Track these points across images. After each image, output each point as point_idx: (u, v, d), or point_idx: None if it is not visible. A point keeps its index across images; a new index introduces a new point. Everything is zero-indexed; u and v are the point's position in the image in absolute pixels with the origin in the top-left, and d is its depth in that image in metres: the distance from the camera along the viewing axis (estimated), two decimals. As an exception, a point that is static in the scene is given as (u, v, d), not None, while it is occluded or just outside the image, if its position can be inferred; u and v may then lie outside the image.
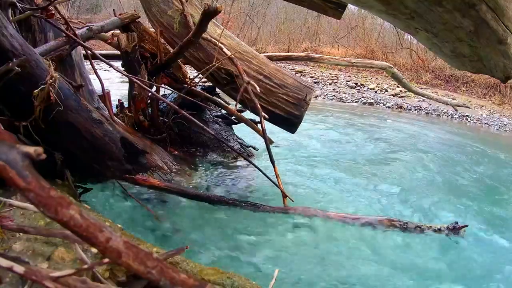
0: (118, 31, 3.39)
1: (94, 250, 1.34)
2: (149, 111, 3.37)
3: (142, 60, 3.20)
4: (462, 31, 1.82)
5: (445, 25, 1.82)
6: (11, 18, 2.30)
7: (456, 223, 2.74)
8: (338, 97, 11.43)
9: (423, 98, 10.25)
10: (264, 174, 2.90)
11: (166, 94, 3.85)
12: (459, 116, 10.33)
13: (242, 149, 3.93)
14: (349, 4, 3.11)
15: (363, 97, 11.48)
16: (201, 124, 2.98)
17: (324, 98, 11.27)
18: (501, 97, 11.85)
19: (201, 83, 3.78)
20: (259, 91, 3.12)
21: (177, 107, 2.87)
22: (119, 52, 3.32)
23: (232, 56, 3.19)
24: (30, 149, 0.52)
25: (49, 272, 0.87)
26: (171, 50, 3.33)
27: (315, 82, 12.28)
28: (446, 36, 1.92)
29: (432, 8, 1.75)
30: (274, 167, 2.94)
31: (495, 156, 5.98)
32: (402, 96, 11.61)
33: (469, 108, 9.34)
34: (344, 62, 6.55)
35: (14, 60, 1.67)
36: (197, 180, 3.30)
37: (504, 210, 3.54)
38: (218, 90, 3.80)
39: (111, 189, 2.82)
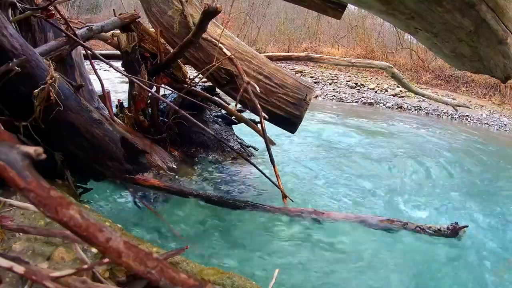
0: (118, 31, 3.39)
1: (94, 250, 1.34)
2: (149, 111, 3.37)
3: (142, 60, 3.20)
4: (462, 31, 1.82)
5: (445, 25, 1.82)
6: (11, 18, 2.30)
7: (456, 223, 2.73)
8: (338, 97, 11.42)
9: (423, 98, 10.25)
10: (264, 174, 2.90)
11: (166, 94, 3.85)
12: (459, 116, 10.33)
13: (242, 149, 3.93)
14: (349, 4, 3.11)
15: (363, 97, 11.48)
16: (201, 124, 2.97)
17: (324, 98, 11.27)
18: (501, 97, 11.85)
19: (201, 83, 3.78)
20: (259, 91, 3.12)
21: (177, 107, 2.87)
22: (119, 52, 3.32)
23: (232, 56, 3.19)
24: (30, 149, 0.52)
25: (49, 272, 0.87)
26: (171, 50, 3.32)
27: (315, 82, 12.28)
28: (446, 36, 1.92)
29: (432, 8, 1.75)
30: (274, 167, 2.93)
31: (494, 156, 5.98)
32: (402, 96, 11.61)
33: (469, 108, 9.33)
34: (344, 62, 6.52)
35: (14, 60, 1.66)
36: (197, 180, 3.30)
37: (504, 211, 3.54)
38: (218, 90, 3.79)
39: (111, 188, 2.82)
